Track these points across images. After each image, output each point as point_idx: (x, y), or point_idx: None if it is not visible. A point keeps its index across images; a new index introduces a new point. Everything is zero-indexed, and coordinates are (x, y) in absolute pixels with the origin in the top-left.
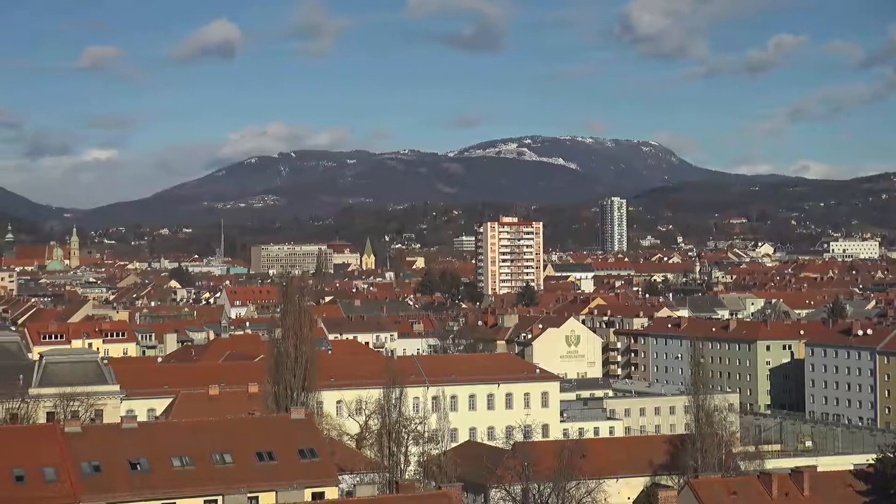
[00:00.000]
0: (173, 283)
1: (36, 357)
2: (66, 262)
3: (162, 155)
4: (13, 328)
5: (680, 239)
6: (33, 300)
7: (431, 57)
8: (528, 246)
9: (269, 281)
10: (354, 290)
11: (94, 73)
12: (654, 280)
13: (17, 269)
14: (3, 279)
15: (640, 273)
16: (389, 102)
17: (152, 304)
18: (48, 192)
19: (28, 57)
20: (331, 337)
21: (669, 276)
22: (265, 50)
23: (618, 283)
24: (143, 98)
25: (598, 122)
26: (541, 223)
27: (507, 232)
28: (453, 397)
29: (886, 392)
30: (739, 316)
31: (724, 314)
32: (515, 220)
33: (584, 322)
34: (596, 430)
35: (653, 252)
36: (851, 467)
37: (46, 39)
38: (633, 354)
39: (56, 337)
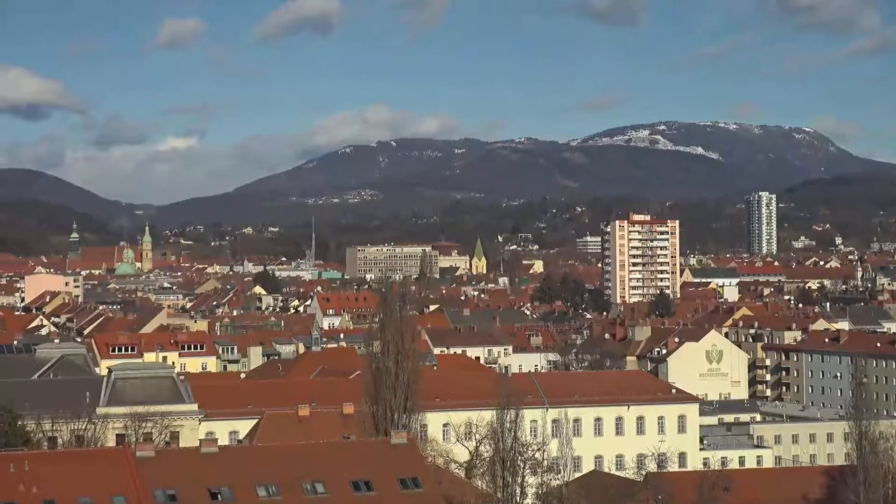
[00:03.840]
0: (258, 290)
1: (104, 372)
2: (138, 265)
3: (246, 144)
4: (79, 339)
5: (839, 240)
6: (101, 308)
7: (556, 31)
8: (662, 248)
9: (366, 287)
10: (463, 298)
11: (172, 52)
12: (809, 287)
13: (83, 272)
14: (67, 284)
15: (792, 279)
16: (505, 83)
17: (234, 312)
18: (118, 186)
19: (98, 34)
20: (436, 351)
21: (826, 282)
22: (366, 23)
23: (766, 291)
24: (227, 80)
25: (746, 105)
26: (677, 222)
27: (639, 232)
28: (576, 421)
29: None
30: None
31: (890, 327)
32: (648, 218)
33: (727, 335)
34: (741, 460)
35: (807, 255)
36: None
37: (118, 14)
38: (784, 373)
39: (126, 349)
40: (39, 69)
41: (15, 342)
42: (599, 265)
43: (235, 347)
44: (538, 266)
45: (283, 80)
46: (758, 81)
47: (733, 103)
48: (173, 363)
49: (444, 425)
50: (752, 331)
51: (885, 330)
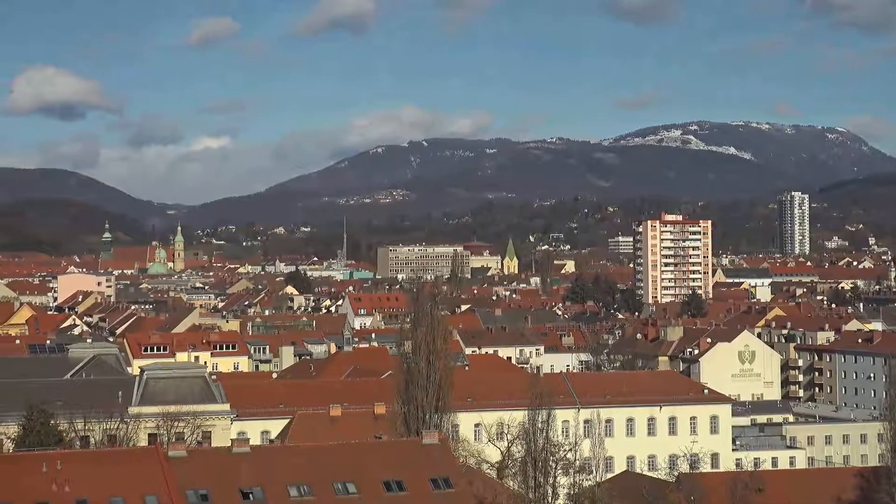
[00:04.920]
0: (290, 290)
1: (136, 372)
2: (170, 264)
3: (279, 144)
4: (111, 339)
5: (872, 240)
6: (133, 308)
7: (589, 29)
8: (694, 248)
9: (397, 287)
10: (495, 298)
11: (206, 52)
12: (842, 288)
13: (116, 272)
14: (100, 284)
15: (825, 280)
16: (537, 82)
17: (266, 312)
18: (151, 186)
19: (131, 32)
20: (468, 351)
21: (860, 283)
22: (400, 22)
23: (799, 292)
24: (261, 79)
25: (779, 104)
26: (709, 222)
27: (671, 232)
28: (608, 421)
29: None
30: None
31: None
32: (680, 217)
33: (759, 336)
34: (774, 461)
35: (840, 255)
36: None
37: (154, 13)
38: (817, 374)
39: (158, 349)
40: (74, 69)
41: (48, 342)
42: (631, 265)
43: (267, 347)
44: (570, 266)
45: (317, 79)
46: (791, 81)
47: (766, 103)
48: (205, 363)
49: (476, 425)
50: (784, 331)
51: None
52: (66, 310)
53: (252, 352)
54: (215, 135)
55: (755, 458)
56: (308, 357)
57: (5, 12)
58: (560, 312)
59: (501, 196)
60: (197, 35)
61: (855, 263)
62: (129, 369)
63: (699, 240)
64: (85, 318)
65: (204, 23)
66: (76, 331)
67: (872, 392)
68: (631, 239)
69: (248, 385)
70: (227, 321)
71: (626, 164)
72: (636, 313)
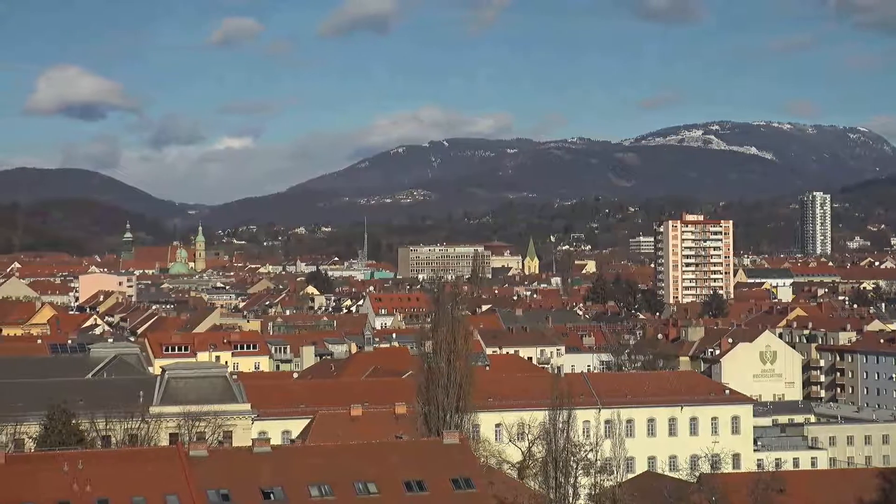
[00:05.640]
0: (310, 290)
1: (157, 371)
2: (191, 264)
3: (300, 143)
4: (132, 339)
5: (894, 240)
6: (154, 307)
7: (611, 29)
8: (715, 248)
9: (418, 287)
10: (515, 298)
11: (228, 52)
12: (864, 288)
13: (137, 272)
14: (121, 284)
15: (846, 280)
16: (558, 82)
17: (287, 312)
18: (172, 186)
19: (153, 32)
20: (488, 351)
21: (882, 283)
22: (422, 22)
23: (821, 292)
24: (283, 79)
25: (801, 104)
26: (730, 222)
27: (692, 232)
28: (629, 421)
29: None
30: None
31: None
32: (701, 218)
33: (781, 336)
34: (795, 461)
35: (862, 255)
36: None
37: (175, 13)
38: (838, 374)
39: (179, 349)
40: (96, 69)
41: (69, 341)
42: (652, 265)
43: (288, 347)
44: (591, 266)
45: (338, 79)
46: (813, 81)
47: (788, 103)
48: (226, 363)
49: (497, 425)
50: (806, 331)
51: None
52: (88, 310)
53: (273, 352)
54: (237, 135)
55: (777, 459)
56: (329, 357)
57: (28, 13)
58: (581, 313)
59: (522, 196)
60: (219, 35)
61: (877, 263)
62: (151, 369)
63: (720, 240)
64: (106, 317)
65: (226, 23)
66: (97, 331)
67: (894, 393)
68: (652, 239)
69: (269, 385)
70: (248, 321)
71: (647, 164)
72: (657, 313)
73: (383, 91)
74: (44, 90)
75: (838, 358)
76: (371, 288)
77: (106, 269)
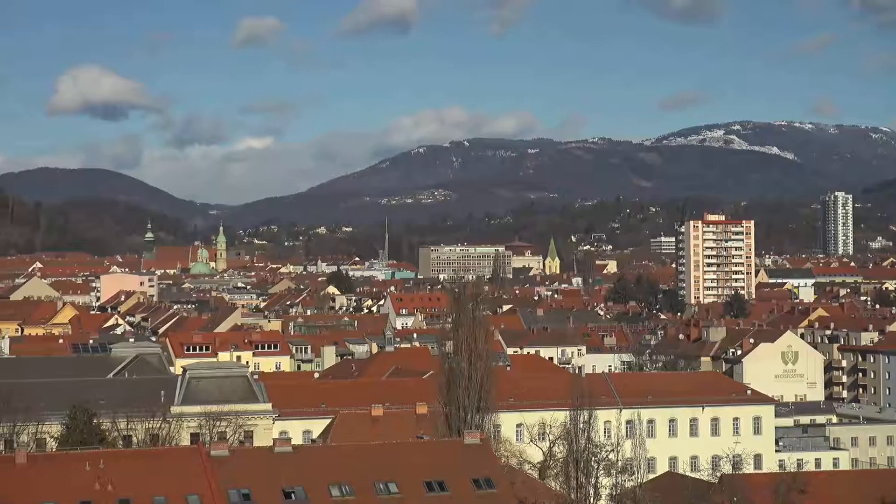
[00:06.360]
0: (331, 289)
1: (178, 371)
2: (212, 264)
3: (322, 143)
4: (153, 339)
5: None
6: (175, 307)
7: (633, 29)
8: (737, 248)
9: (439, 287)
10: (536, 298)
11: (249, 51)
12: (886, 288)
13: (158, 272)
14: (142, 284)
15: (868, 280)
16: (580, 82)
17: (308, 312)
18: (193, 186)
19: (175, 32)
20: (509, 351)
21: None
22: (444, 22)
23: (842, 292)
24: (304, 78)
25: (822, 104)
26: (752, 222)
27: (713, 232)
28: (650, 422)
29: None
30: None
31: None
32: (723, 218)
33: (802, 336)
34: (817, 462)
35: (884, 255)
36: None
37: (197, 13)
38: (860, 374)
39: (201, 349)
40: (118, 68)
41: (91, 341)
42: (673, 265)
43: (309, 347)
44: (612, 266)
45: (360, 79)
46: (835, 81)
47: (809, 103)
48: (247, 363)
49: (518, 426)
50: (828, 332)
51: None
52: (109, 309)
53: (294, 352)
54: (258, 135)
55: (798, 460)
56: (350, 357)
57: (50, 13)
58: (602, 313)
59: (543, 196)
60: (240, 34)
61: None
62: (172, 369)
63: (742, 240)
64: (127, 317)
65: (248, 22)
66: (119, 330)
67: None
68: (673, 239)
69: (290, 385)
70: (269, 321)
71: (668, 164)
72: (678, 314)
73: (404, 91)
74: (66, 90)
75: (860, 358)
76: (392, 288)
77: (127, 269)
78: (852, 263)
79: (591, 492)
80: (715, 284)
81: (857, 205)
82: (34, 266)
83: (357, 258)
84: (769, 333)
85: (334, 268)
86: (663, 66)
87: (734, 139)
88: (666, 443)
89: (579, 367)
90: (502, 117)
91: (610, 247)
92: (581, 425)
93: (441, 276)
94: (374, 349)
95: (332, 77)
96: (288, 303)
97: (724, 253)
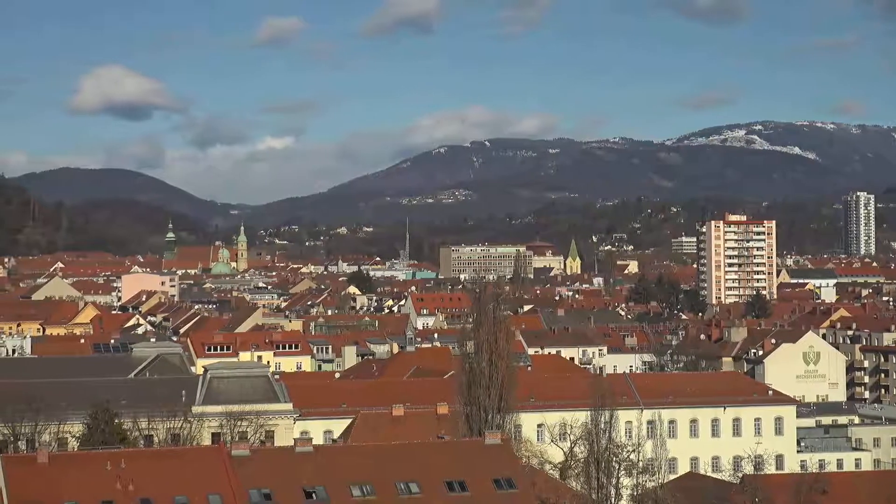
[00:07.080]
0: (352, 289)
1: (200, 371)
2: (233, 264)
3: (343, 143)
4: (174, 338)
5: None
6: (196, 307)
7: (654, 28)
8: (758, 248)
9: (460, 287)
10: (557, 298)
11: (271, 51)
12: None
13: (179, 272)
14: (163, 283)
15: (891, 280)
16: (601, 82)
17: (329, 312)
18: (215, 186)
19: (197, 32)
20: (530, 351)
21: None
22: (466, 22)
23: (864, 292)
24: (326, 78)
25: (844, 104)
26: (773, 222)
27: (735, 232)
28: (672, 422)
29: None
30: None
31: None
32: (744, 218)
33: (824, 336)
34: (839, 463)
35: None
36: None
37: (219, 13)
38: (883, 375)
39: (222, 349)
40: (141, 68)
41: (112, 341)
42: (695, 266)
43: (330, 347)
44: (633, 266)
45: (381, 79)
46: (857, 80)
47: (831, 102)
48: (268, 362)
49: (539, 426)
50: (849, 332)
51: None
52: (130, 309)
53: (315, 351)
54: (279, 135)
55: (820, 460)
56: (370, 357)
57: (72, 13)
58: (623, 313)
59: (564, 196)
60: (262, 34)
61: None
62: (193, 369)
63: (763, 240)
64: (149, 317)
65: (270, 22)
66: (140, 330)
67: None
68: (694, 239)
69: (311, 385)
70: (290, 321)
71: (689, 164)
72: (700, 314)
73: (425, 91)
74: (88, 90)
75: (882, 359)
76: (413, 288)
77: (148, 269)
78: (874, 264)
79: (613, 492)
80: (736, 285)
81: (880, 205)
82: (56, 266)
83: (378, 258)
84: (791, 334)
85: (355, 268)
86: (685, 65)
87: (756, 139)
88: (687, 443)
89: (600, 368)
90: (523, 117)
91: (631, 247)
92: (602, 425)
93: (462, 276)
94: (395, 349)
95: (353, 77)
96: (309, 303)
97: (746, 253)
